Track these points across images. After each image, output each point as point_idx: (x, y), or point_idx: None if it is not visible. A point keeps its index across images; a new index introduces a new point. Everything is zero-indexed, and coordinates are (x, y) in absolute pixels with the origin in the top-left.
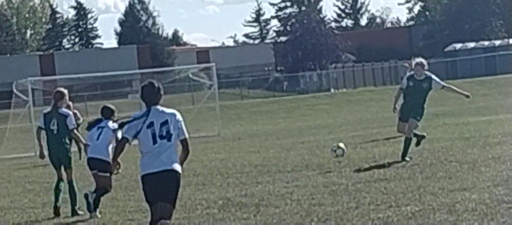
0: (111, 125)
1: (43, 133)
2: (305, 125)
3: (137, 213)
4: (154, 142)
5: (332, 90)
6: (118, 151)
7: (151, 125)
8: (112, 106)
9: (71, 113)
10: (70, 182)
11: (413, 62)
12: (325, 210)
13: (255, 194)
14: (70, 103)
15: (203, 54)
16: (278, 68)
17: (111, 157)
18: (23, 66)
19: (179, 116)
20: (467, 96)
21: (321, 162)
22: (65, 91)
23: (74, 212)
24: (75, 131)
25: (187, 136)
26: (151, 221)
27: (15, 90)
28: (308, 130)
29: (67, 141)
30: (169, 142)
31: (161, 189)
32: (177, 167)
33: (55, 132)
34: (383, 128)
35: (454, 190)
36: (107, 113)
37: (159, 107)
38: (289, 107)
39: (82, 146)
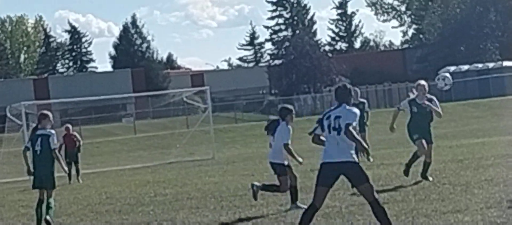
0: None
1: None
2: (299, 148)
3: None
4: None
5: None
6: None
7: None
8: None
9: (53, 132)
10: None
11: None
12: None
13: (249, 217)
14: (70, 125)
15: (197, 78)
16: (273, 92)
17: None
18: (17, 90)
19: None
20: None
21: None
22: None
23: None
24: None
25: None
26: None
27: (8, 115)
28: (303, 153)
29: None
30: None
31: None
32: None
33: (38, 152)
34: (377, 150)
35: (447, 212)
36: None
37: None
38: None
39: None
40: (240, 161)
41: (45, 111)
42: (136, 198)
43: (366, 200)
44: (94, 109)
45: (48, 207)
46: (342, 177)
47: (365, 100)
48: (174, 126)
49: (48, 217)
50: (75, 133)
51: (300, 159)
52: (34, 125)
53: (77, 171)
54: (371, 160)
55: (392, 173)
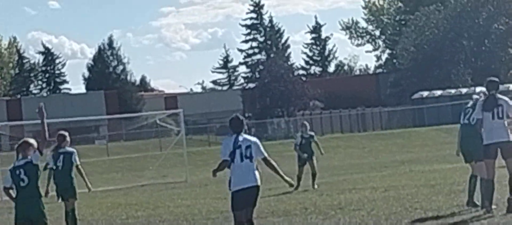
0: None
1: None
2: (272, 172)
3: None
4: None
5: (298, 134)
6: None
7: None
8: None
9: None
10: None
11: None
12: None
13: None
14: (35, 143)
15: (171, 100)
16: (246, 115)
17: None
18: None
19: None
20: None
21: (287, 209)
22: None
23: None
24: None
25: None
26: None
27: None
28: (275, 177)
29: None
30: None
31: None
32: None
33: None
34: (350, 175)
35: None
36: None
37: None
38: None
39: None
40: (213, 183)
41: (63, 132)
42: (108, 220)
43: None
44: (67, 131)
45: (75, 216)
46: None
47: (313, 133)
48: (147, 148)
49: None
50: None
51: None
52: (12, 150)
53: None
54: (316, 187)
55: (364, 197)
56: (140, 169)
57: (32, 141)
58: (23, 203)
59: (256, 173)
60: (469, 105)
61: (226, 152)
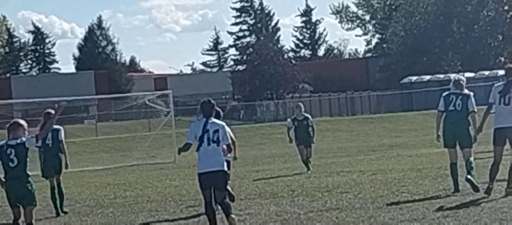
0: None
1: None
2: (261, 154)
3: None
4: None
5: (288, 120)
6: None
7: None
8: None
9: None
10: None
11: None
12: None
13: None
14: (25, 124)
15: (160, 81)
16: (236, 97)
17: None
18: None
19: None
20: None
21: (274, 191)
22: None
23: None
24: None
25: None
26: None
27: None
28: (264, 159)
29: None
30: None
31: None
32: None
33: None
34: (338, 158)
35: (405, 220)
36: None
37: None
38: (245, 135)
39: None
40: None
41: (51, 110)
42: (96, 200)
43: None
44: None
45: (61, 191)
46: None
47: (309, 115)
48: (136, 129)
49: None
50: (28, 132)
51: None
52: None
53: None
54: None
55: (351, 180)
56: (128, 149)
57: (22, 122)
58: (12, 183)
59: (222, 157)
60: (449, 92)
61: (192, 136)
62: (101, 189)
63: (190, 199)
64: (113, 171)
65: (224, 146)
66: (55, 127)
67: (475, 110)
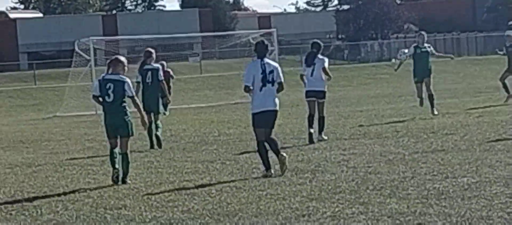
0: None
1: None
2: (365, 94)
3: (194, 174)
4: None
5: (393, 60)
6: None
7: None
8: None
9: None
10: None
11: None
12: (380, 178)
13: (311, 160)
14: (164, 62)
15: (264, 20)
16: (339, 37)
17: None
18: (86, 26)
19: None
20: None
21: (378, 131)
22: (152, 50)
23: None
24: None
25: None
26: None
27: (77, 49)
28: (367, 99)
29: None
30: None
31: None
32: None
33: (149, 84)
34: (444, 99)
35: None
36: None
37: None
38: (349, 75)
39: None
40: (304, 104)
41: (150, 49)
42: (200, 137)
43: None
44: (161, 48)
45: (157, 126)
46: None
47: (429, 46)
48: (240, 67)
49: (158, 133)
50: (169, 69)
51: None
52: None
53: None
54: (436, 112)
55: (457, 121)
56: (232, 87)
57: (123, 58)
58: (109, 115)
59: (276, 97)
60: None
61: (250, 77)
62: (205, 126)
63: (294, 138)
64: (216, 108)
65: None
66: (155, 65)
67: None
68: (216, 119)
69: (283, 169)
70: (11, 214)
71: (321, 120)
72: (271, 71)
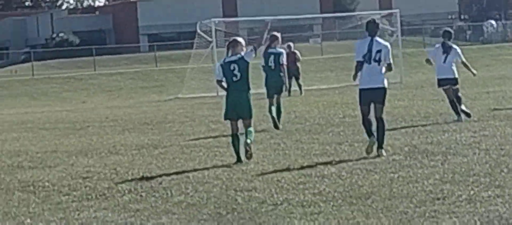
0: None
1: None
2: (489, 75)
3: (322, 156)
4: None
5: None
6: None
7: None
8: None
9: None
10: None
11: None
12: None
13: (441, 142)
14: (291, 44)
15: (385, 1)
16: (462, 17)
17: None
18: (206, 6)
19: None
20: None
21: (508, 113)
22: (278, 34)
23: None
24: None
25: None
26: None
27: (199, 31)
28: (493, 80)
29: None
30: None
31: None
32: None
33: (272, 67)
34: None
35: None
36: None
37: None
38: (473, 56)
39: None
40: (429, 85)
41: (276, 33)
42: (325, 118)
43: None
44: (281, 29)
45: (279, 108)
46: None
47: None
48: None
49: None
50: (296, 51)
51: (474, 71)
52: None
53: (299, 86)
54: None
55: None
56: (353, 69)
57: (240, 39)
58: (233, 96)
59: (383, 75)
60: None
61: (360, 54)
62: (329, 108)
63: (421, 120)
64: (339, 90)
65: None
66: (279, 50)
67: None
68: (339, 101)
69: (368, 150)
70: (141, 195)
71: (458, 99)
72: (379, 51)
